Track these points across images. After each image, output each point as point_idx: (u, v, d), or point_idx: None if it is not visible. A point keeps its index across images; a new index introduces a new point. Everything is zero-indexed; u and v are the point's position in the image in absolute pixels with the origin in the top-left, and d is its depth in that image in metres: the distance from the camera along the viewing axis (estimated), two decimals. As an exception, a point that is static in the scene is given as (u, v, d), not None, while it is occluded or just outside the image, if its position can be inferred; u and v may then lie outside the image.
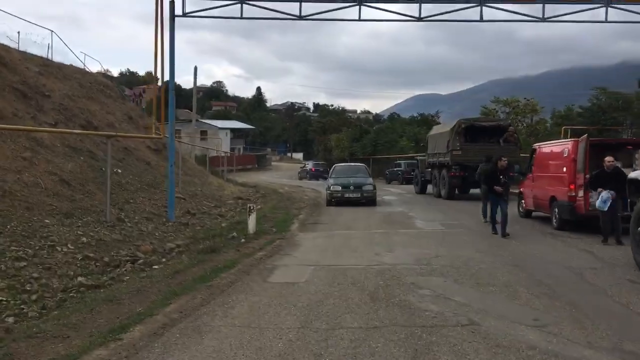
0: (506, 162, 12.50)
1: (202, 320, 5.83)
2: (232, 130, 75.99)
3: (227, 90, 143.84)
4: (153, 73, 15.32)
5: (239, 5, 15.26)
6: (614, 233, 10.68)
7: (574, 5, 14.77)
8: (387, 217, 15.81)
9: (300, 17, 15.43)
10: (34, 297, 7.65)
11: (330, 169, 24.05)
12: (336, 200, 19.69)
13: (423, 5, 14.99)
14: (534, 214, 15.19)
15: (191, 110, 76.35)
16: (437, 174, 23.15)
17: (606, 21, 14.57)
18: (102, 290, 8.23)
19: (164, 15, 15.10)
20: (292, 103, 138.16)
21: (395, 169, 37.85)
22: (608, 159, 10.62)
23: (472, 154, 21.15)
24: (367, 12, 15.33)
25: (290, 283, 7.55)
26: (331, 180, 20.78)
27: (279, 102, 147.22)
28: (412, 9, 15.91)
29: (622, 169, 10.93)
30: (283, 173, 59.68)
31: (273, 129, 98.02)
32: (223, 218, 17.38)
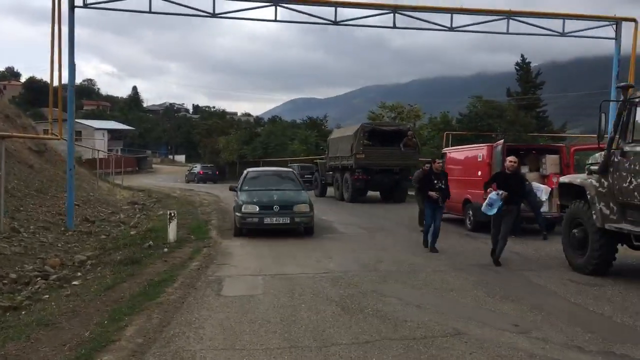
0: (441, 164, 11.34)
1: (177, 344, 5.22)
2: (110, 131, 71.85)
3: (99, 89, 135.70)
4: (49, 69, 13.85)
5: (147, -2, 14.33)
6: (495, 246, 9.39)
7: (478, 15, 15.51)
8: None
9: (214, 15, 14.81)
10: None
11: (241, 177, 14.61)
12: (251, 228, 12.54)
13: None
14: (445, 216, 15.72)
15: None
16: (340, 177, 23.36)
17: (507, 32, 15.47)
18: (23, 313, 7.22)
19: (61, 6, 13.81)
20: (170, 104, 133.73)
21: (288, 172, 37.75)
22: (510, 158, 9.36)
23: (375, 158, 21.65)
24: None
25: (248, 296, 7.07)
26: (243, 196, 12.83)
27: (157, 103, 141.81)
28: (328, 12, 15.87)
29: (522, 173, 11.10)
30: (167, 176, 57.38)
31: (153, 130, 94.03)
32: (126, 225, 16.20)
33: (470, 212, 13.39)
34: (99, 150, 40.38)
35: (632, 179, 7.23)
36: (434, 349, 5.05)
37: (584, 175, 8.53)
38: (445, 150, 15.92)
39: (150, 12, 14.42)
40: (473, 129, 36.07)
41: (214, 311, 6.36)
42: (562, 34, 15.39)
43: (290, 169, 17.82)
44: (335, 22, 15.16)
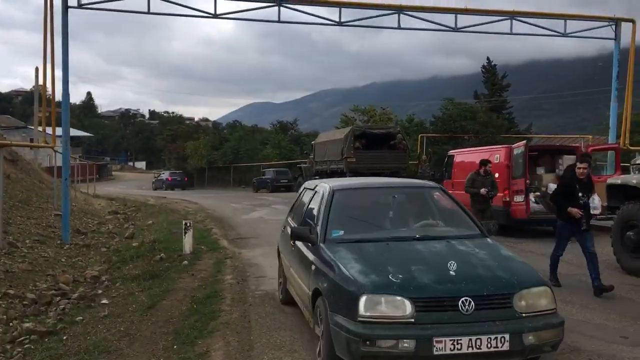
0: (586, 169, 7.58)
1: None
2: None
3: (47, 95, 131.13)
4: (41, 73, 13.01)
5: (146, -3, 13.62)
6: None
7: (484, 16, 15.42)
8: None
9: (215, 16, 14.22)
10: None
11: (305, 199, 6.76)
12: None
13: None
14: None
15: (11, 116, 68.30)
16: (328, 181, 22.93)
17: (511, 33, 15.44)
18: (65, 338, 6.53)
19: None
20: (126, 109, 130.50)
21: (263, 177, 37.14)
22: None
23: (366, 161, 21.39)
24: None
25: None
26: (349, 265, 4.54)
27: (112, 109, 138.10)
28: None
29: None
30: (130, 183, 55.72)
31: (111, 136, 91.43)
32: (121, 236, 15.34)
33: (485, 215, 13.16)
34: (77, 157, 38.80)
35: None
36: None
37: (638, 176, 8.40)
38: (452, 152, 15.71)
39: (148, 12, 13.70)
40: (447, 131, 36.31)
41: (294, 331, 5.85)
42: (564, 35, 15.47)
43: (423, 182, 8.17)
44: (340, 23, 14.78)
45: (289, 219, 7.08)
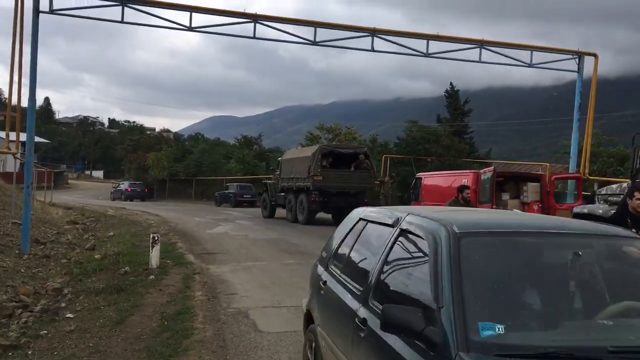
0: None
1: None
2: (22, 143, 67.27)
3: (4, 98, 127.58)
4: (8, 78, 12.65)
5: (120, 7, 13.46)
6: None
7: (454, 43, 15.82)
8: (277, 245, 15.03)
9: (191, 29, 14.17)
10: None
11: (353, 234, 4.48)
12: None
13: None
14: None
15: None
16: (294, 198, 22.93)
17: (480, 61, 15.87)
18: (29, 352, 6.30)
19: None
20: (85, 117, 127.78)
21: (226, 192, 36.83)
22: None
23: (332, 180, 21.50)
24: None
25: (292, 332, 6.52)
26: None
27: (70, 115, 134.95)
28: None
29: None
30: (86, 192, 54.43)
31: (68, 143, 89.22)
32: (81, 248, 14.94)
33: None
34: (52, 164, 37.62)
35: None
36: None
37: (605, 206, 8.69)
38: (420, 175, 15.97)
39: (122, 22, 13.52)
40: (411, 152, 36.87)
41: (271, 351, 5.80)
42: (530, 65, 16.01)
43: (609, 227, 3.90)
44: (315, 43, 14.93)
45: (334, 270, 4.40)
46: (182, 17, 13.89)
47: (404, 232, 3.46)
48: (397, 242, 3.49)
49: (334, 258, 4.54)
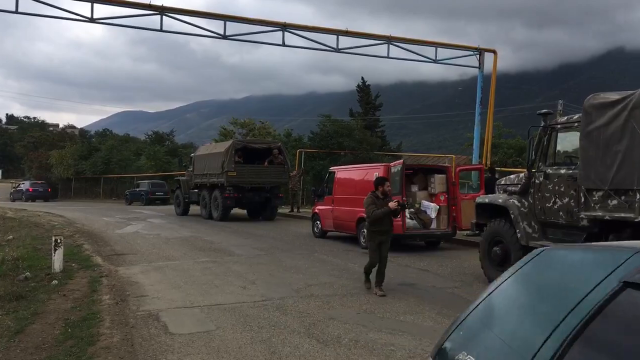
0: None
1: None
2: None
3: None
4: None
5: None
6: None
7: (363, 39, 16.10)
8: (191, 243, 14.69)
9: (92, 20, 13.50)
10: None
11: None
12: None
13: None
14: (329, 234, 15.89)
15: None
16: (208, 195, 22.55)
17: (388, 57, 16.25)
18: None
19: None
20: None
21: (137, 190, 35.61)
22: None
23: (246, 175, 21.36)
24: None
25: (204, 332, 6.40)
26: None
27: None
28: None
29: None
30: (-18, 193, 50.92)
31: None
32: (-25, 254, 13.89)
33: (364, 230, 13.65)
34: None
35: (557, 200, 7.91)
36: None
37: (504, 196, 9.15)
38: (333, 168, 16.11)
39: (16, 12, 12.65)
40: (325, 146, 37.25)
41: (182, 353, 5.65)
42: (435, 61, 16.57)
43: None
44: (225, 36, 14.69)
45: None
46: (83, 8, 13.18)
47: None
48: None
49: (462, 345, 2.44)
